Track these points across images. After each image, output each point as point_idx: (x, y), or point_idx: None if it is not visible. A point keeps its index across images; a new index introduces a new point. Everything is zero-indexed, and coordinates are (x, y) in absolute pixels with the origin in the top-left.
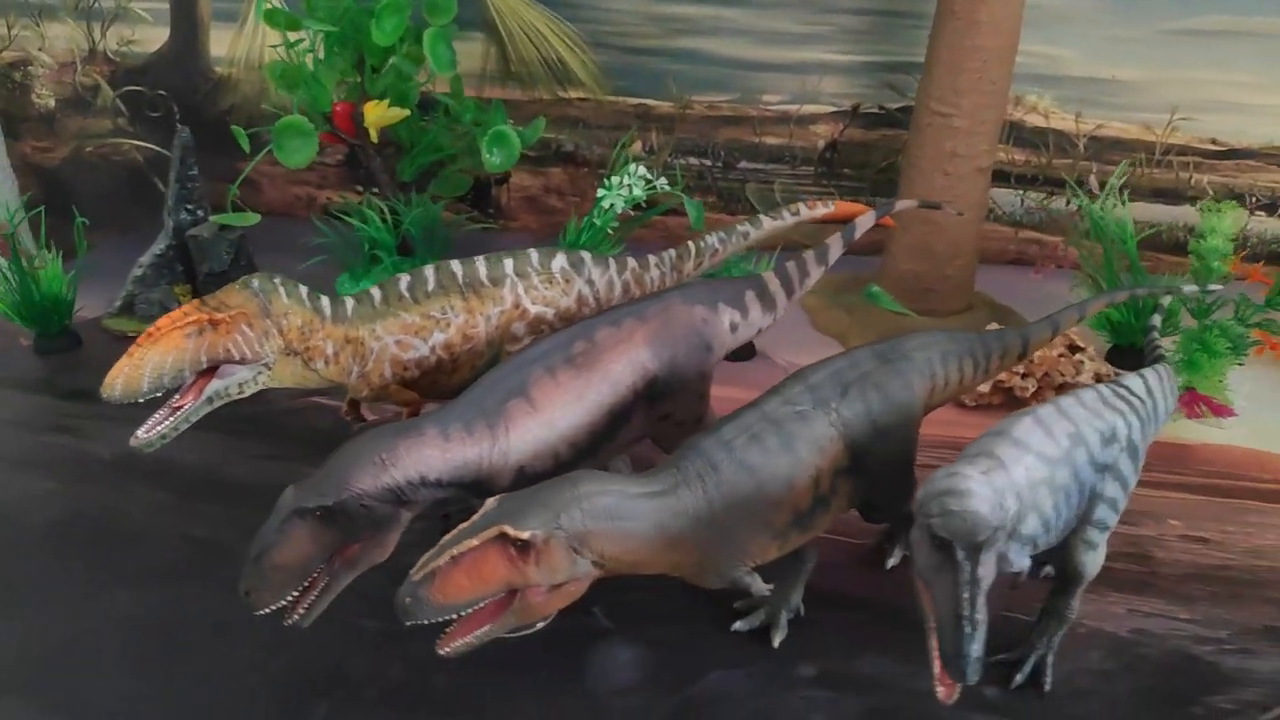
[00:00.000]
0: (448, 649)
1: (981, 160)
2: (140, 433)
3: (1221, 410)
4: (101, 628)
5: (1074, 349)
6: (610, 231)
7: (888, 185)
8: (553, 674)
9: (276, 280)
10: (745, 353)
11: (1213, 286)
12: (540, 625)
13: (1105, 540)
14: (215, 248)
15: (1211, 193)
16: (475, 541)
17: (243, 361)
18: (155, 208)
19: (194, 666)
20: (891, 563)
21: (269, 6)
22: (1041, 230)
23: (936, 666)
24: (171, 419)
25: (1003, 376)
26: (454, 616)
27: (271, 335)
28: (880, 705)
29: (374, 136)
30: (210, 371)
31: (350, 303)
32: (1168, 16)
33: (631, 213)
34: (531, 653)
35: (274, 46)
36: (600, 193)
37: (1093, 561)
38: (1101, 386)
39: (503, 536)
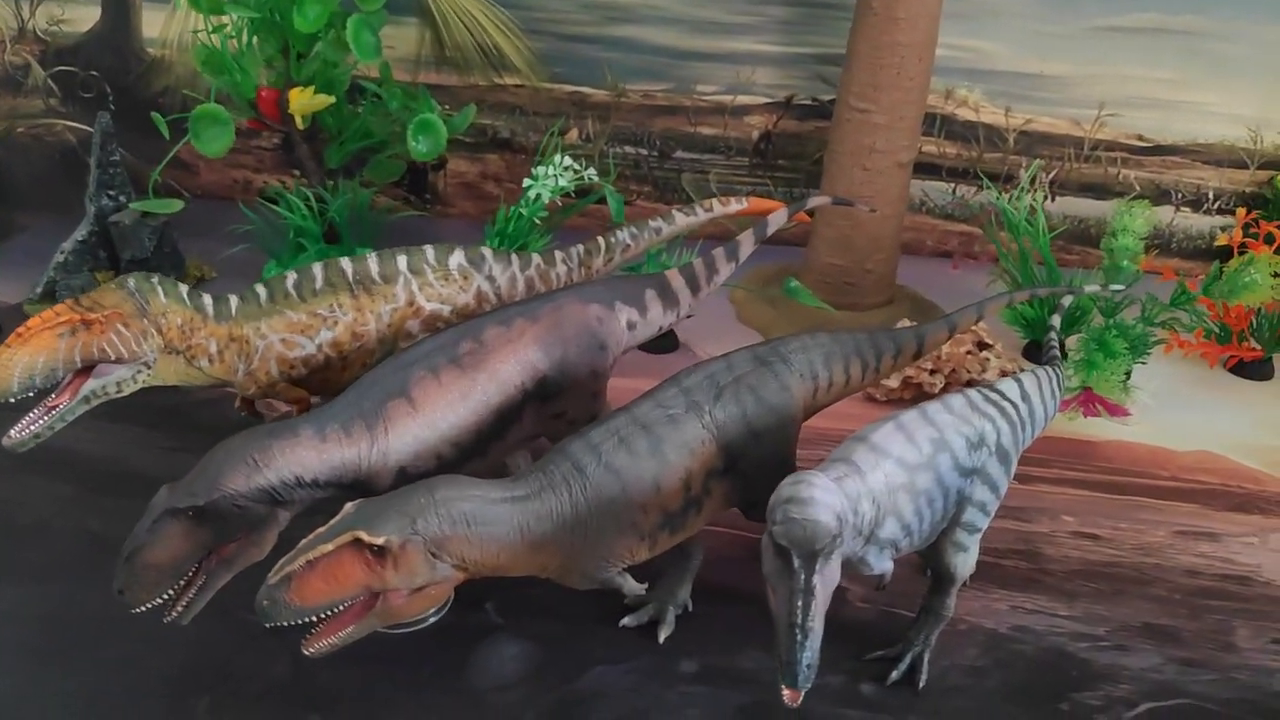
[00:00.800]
0: (312, 649)
1: (901, 155)
2: (13, 432)
3: (1117, 410)
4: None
5: (982, 345)
6: (539, 221)
7: (822, 177)
8: (437, 670)
9: (154, 279)
10: (668, 344)
11: (1115, 287)
12: (433, 619)
13: (976, 542)
14: (137, 235)
15: (1138, 188)
16: (329, 547)
17: (119, 361)
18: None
19: (77, 662)
20: None
21: None
22: (969, 224)
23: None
24: (46, 418)
25: (911, 372)
26: (317, 618)
27: (150, 335)
28: (755, 701)
29: (300, 123)
30: (88, 370)
31: (234, 301)
32: (1095, 13)
33: (560, 202)
34: (419, 648)
35: (197, 32)
36: (527, 183)
37: (963, 563)
38: (972, 391)
39: (357, 542)
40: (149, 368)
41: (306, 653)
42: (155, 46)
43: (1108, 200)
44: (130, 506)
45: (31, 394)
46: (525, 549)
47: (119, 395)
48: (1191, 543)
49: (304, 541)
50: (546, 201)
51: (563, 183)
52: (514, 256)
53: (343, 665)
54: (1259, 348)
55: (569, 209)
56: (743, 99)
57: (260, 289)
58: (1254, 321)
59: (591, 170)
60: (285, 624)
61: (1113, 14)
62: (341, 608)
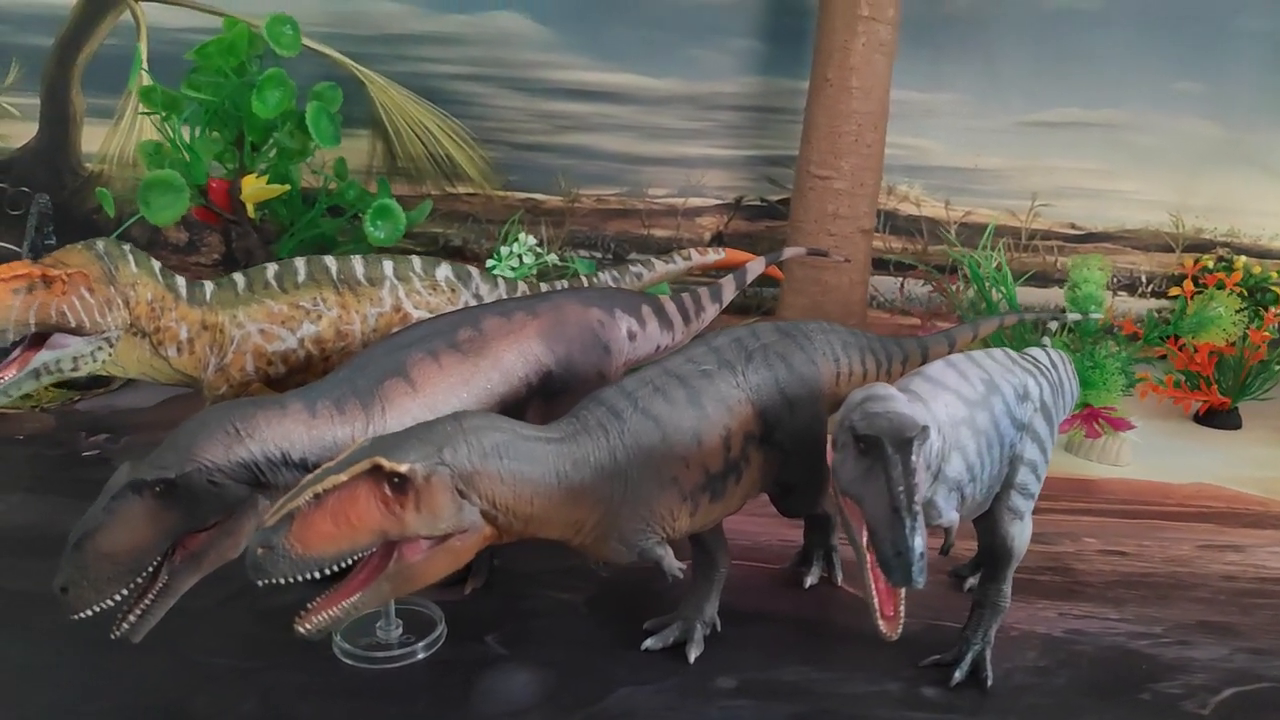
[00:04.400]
0: (308, 625)
1: (863, 221)
2: None
3: (1120, 424)
4: None
5: None
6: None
7: (769, 280)
8: (436, 700)
9: (126, 247)
10: None
11: (1094, 315)
12: (423, 655)
13: (1029, 512)
14: None
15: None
16: (344, 477)
17: (78, 331)
18: None
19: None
20: (810, 581)
21: (146, 84)
22: (924, 316)
23: (875, 601)
24: None
25: None
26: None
27: (116, 306)
28: (808, 710)
29: (251, 212)
30: (40, 341)
31: (209, 286)
32: (1022, 110)
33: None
34: (411, 681)
35: (147, 143)
36: (490, 263)
37: (1020, 534)
38: (1006, 349)
39: (376, 470)
40: (110, 346)
41: (302, 630)
42: (93, 161)
43: (1049, 288)
44: (53, 566)
45: None
46: (562, 498)
47: (74, 374)
48: (1218, 554)
49: (310, 476)
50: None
51: (528, 260)
52: (500, 280)
53: (323, 699)
54: (1226, 396)
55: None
56: (694, 201)
57: (238, 277)
58: (1216, 368)
59: (553, 255)
60: (282, 580)
61: (1038, 110)
62: (348, 564)
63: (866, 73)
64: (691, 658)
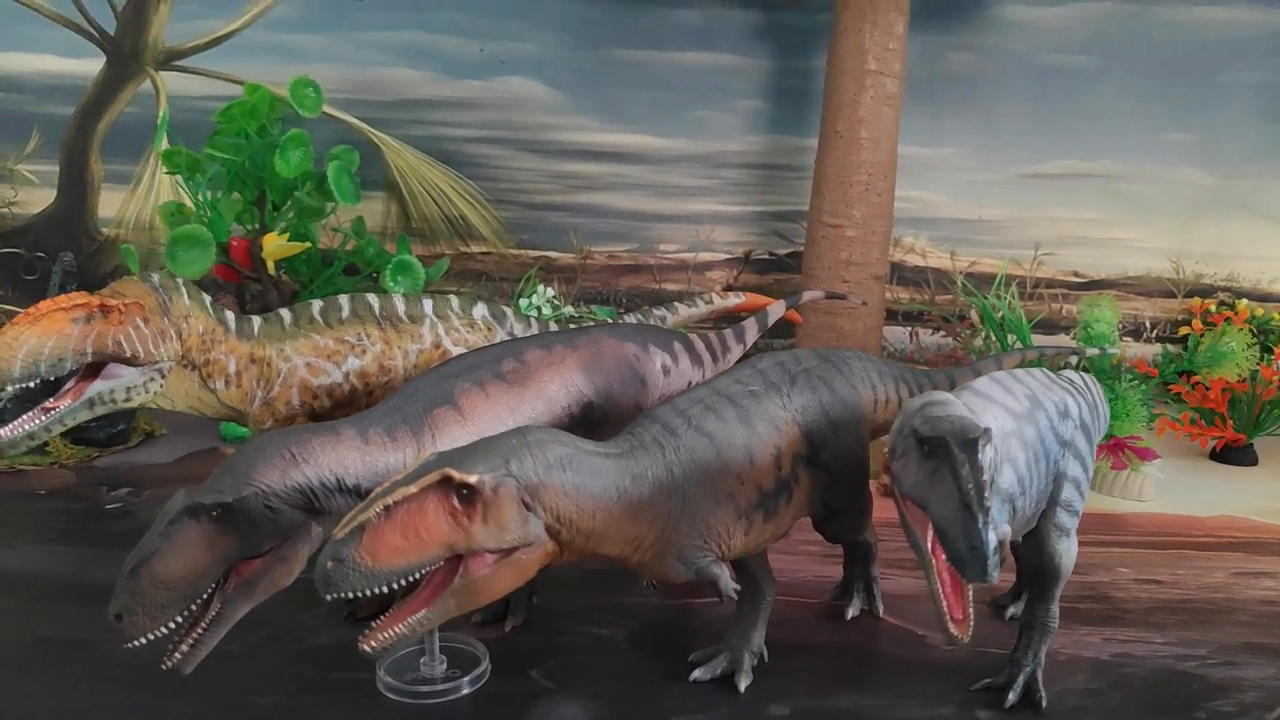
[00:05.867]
0: (373, 643)
1: (876, 268)
2: (3, 431)
3: (1146, 453)
4: None
5: None
6: None
7: (784, 326)
8: None
9: (179, 279)
10: None
11: (1111, 350)
12: (468, 690)
13: (1074, 530)
14: None
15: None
16: (413, 489)
17: (132, 361)
18: None
19: None
20: (851, 613)
21: (169, 147)
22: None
23: (944, 604)
24: (43, 418)
25: None
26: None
27: (169, 338)
28: None
29: (271, 269)
30: (94, 372)
31: (257, 321)
32: (1022, 162)
33: None
34: (461, 715)
35: (168, 204)
36: None
37: (1067, 552)
38: (1044, 369)
39: (445, 482)
40: (162, 377)
41: (366, 649)
42: (110, 226)
43: (1055, 335)
44: (90, 612)
45: (33, 383)
46: (622, 513)
47: (126, 405)
48: (1252, 580)
49: (378, 489)
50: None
51: (546, 312)
52: (533, 321)
53: None
54: (1241, 432)
55: None
56: (704, 256)
57: (285, 313)
58: (1230, 405)
59: (569, 307)
60: (349, 594)
61: (1037, 162)
62: (414, 578)
63: (875, 124)
64: (742, 687)
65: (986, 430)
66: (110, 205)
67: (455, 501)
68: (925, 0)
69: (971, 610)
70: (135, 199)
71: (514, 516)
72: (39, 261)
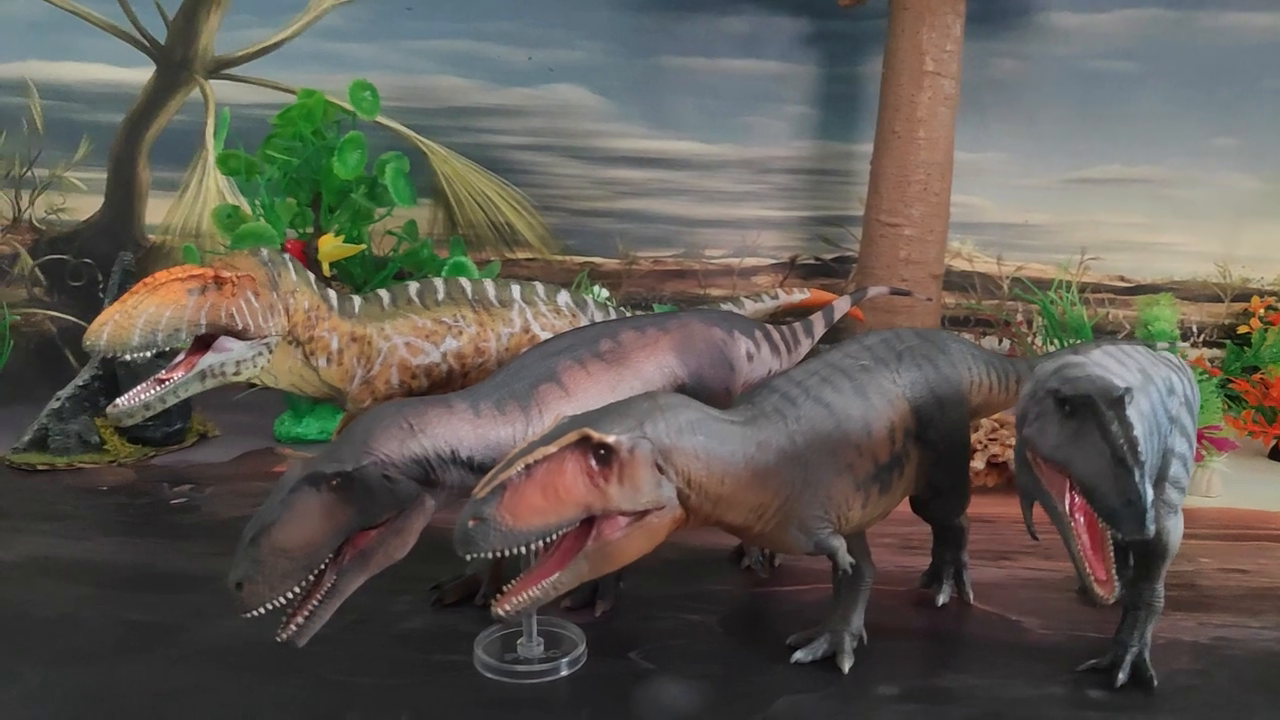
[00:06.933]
0: (507, 607)
1: (933, 267)
2: (121, 400)
3: (1225, 444)
4: (20, 711)
5: None
6: None
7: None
8: (597, 712)
9: (286, 256)
10: None
11: (1180, 344)
12: (566, 671)
13: (1181, 507)
14: (149, 375)
15: (1128, 326)
16: (553, 448)
17: (244, 334)
18: (62, 381)
19: None
20: (942, 600)
21: (225, 151)
22: None
23: (1086, 565)
24: (157, 389)
25: (997, 451)
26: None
27: (277, 312)
28: (979, 714)
29: (326, 271)
30: (205, 346)
31: (358, 300)
32: (1066, 167)
33: None
34: (565, 694)
35: (223, 207)
36: None
37: (1175, 529)
38: (1145, 347)
39: (584, 442)
40: (269, 352)
41: (500, 612)
42: (156, 233)
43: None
44: (173, 600)
45: (150, 354)
46: (749, 479)
47: (235, 379)
48: None
49: (516, 450)
50: None
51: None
52: (611, 309)
53: (480, 711)
54: None
55: None
56: (750, 261)
57: (383, 293)
58: None
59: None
60: (491, 554)
61: (1081, 167)
62: (552, 539)
63: (933, 124)
64: (845, 668)
65: (1129, 389)
66: (157, 212)
67: (592, 462)
68: (972, 6)
69: (1115, 573)
70: (182, 205)
71: (648, 478)
72: (85, 268)
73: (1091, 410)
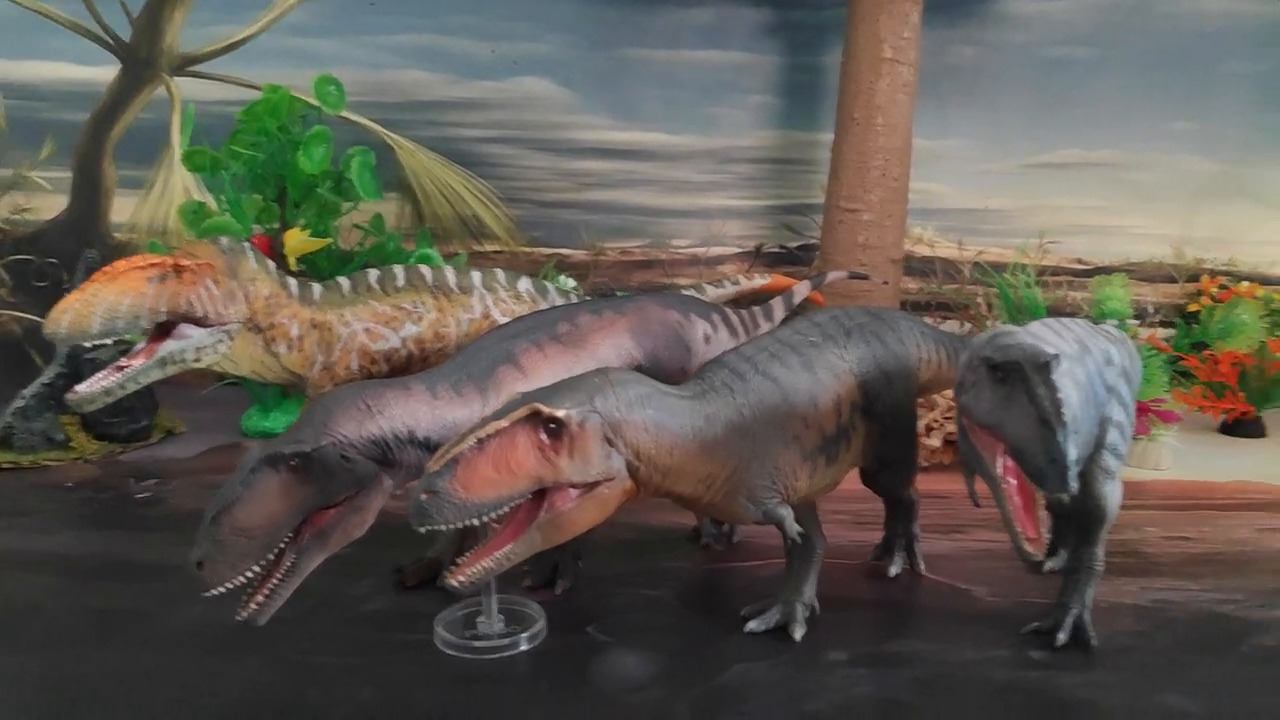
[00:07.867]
0: (461, 578)
1: (892, 252)
2: (80, 387)
3: (1169, 416)
4: None
5: None
6: None
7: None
8: (556, 684)
9: (245, 244)
10: None
11: (1131, 321)
12: (526, 646)
13: (1119, 474)
14: None
15: (1085, 309)
16: (504, 422)
17: (204, 321)
18: (27, 381)
19: (113, 716)
20: (894, 571)
21: (190, 148)
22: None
23: (1017, 525)
24: (118, 375)
25: (952, 429)
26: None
27: (237, 299)
28: (928, 675)
29: (293, 264)
30: (164, 334)
31: (318, 287)
32: (1025, 152)
33: None
34: (523, 670)
35: (189, 204)
36: None
37: (1112, 495)
38: (1087, 318)
39: (534, 417)
40: (230, 339)
41: (454, 583)
42: (122, 231)
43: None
44: (138, 588)
45: (110, 340)
46: (698, 451)
47: (196, 365)
48: (1276, 535)
49: (470, 426)
50: None
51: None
52: (573, 295)
53: (439, 687)
54: (1251, 405)
55: None
56: (716, 250)
57: (343, 280)
58: (1239, 379)
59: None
60: (445, 527)
61: (1040, 152)
62: (505, 511)
63: (891, 111)
64: (797, 636)
65: (1056, 355)
66: (123, 210)
67: (543, 436)
68: None
69: (1045, 532)
70: (148, 203)
71: (598, 451)
72: (51, 268)
73: (1020, 375)
